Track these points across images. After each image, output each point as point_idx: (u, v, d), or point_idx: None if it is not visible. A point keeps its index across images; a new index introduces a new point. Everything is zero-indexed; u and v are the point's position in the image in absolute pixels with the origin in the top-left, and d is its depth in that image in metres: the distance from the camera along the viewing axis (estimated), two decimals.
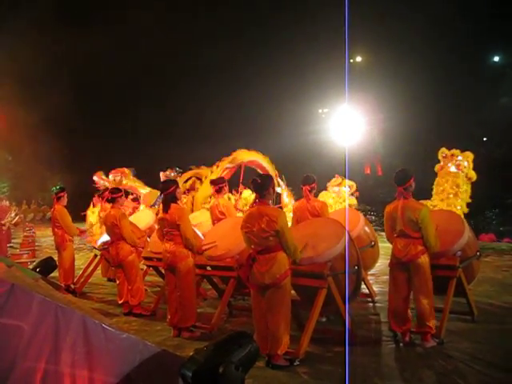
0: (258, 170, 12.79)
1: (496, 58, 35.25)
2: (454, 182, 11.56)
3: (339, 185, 12.77)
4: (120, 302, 7.79)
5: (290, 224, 6.40)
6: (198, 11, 36.67)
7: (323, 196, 12.40)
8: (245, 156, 12.74)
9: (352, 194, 12.98)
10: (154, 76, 37.66)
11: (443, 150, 11.86)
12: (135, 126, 37.46)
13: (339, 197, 12.70)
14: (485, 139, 31.04)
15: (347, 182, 12.83)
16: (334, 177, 13.07)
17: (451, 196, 11.55)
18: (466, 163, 11.64)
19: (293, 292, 5.70)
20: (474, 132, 26.66)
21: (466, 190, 11.60)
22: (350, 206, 12.14)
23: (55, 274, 9.78)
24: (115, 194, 7.89)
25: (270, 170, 12.96)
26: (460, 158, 11.62)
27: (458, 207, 11.43)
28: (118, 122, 37.26)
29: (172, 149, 28.79)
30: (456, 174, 11.60)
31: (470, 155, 11.66)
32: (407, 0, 30.74)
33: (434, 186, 11.95)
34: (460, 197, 11.52)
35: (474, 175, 11.61)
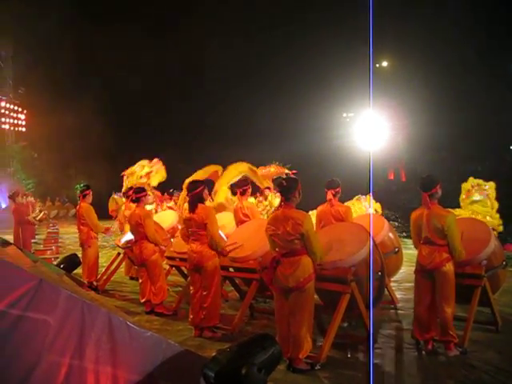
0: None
1: None
2: (478, 209, 11.68)
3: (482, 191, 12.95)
4: (142, 300, 7.84)
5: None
6: (229, 18, 36.78)
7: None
8: (232, 172, 12.70)
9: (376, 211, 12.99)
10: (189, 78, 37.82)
11: (471, 180, 11.98)
12: (165, 126, 37.55)
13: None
14: (511, 147, 30.61)
15: (491, 184, 12.99)
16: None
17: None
18: (487, 193, 11.75)
19: (316, 296, 5.69)
20: (499, 139, 26.30)
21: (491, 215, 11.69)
22: (374, 211, 12.16)
23: (78, 270, 9.93)
24: (139, 194, 7.95)
25: (259, 182, 13.08)
26: (487, 187, 11.70)
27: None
28: (150, 122, 37.57)
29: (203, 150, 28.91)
30: (482, 200, 11.71)
31: (492, 185, 11.73)
32: (433, 5, 30.50)
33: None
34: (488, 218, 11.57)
35: (496, 205, 11.70)
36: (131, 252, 8.85)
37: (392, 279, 8.48)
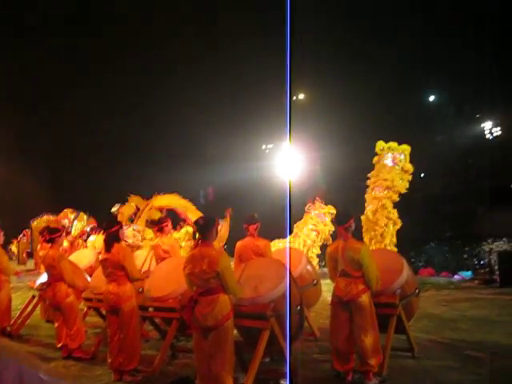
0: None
1: (431, 98, 36.74)
2: (390, 176, 11.61)
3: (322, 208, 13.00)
4: (59, 345, 7.54)
5: (233, 263, 6.42)
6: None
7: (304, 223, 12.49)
8: (161, 202, 12.72)
9: (332, 220, 13.21)
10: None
11: (380, 143, 11.94)
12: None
13: (322, 221, 12.88)
14: (422, 175, 32.06)
15: (329, 207, 13.09)
16: (312, 201, 13.29)
17: (385, 191, 11.57)
18: (402, 156, 11.69)
19: (236, 333, 5.68)
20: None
21: (400, 184, 11.66)
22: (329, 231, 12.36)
23: None
24: (54, 234, 7.73)
25: (190, 212, 13.08)
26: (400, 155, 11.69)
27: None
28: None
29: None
30: (391, 168, 11.64)
31: (406, 148, 11.76)
32: (348, 41, 31.80)
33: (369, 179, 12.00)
34: (394, 190, 11.54)
35: (410, 167, 11.65)
36: (46, 294, 8.55)
37: (312, 310, 8.59)
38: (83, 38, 35.36)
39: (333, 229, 13.75)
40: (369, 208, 11.90)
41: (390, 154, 11.72)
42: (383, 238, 11.55)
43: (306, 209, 13.57)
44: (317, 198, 14.40)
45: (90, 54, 35.88)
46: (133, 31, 36.76)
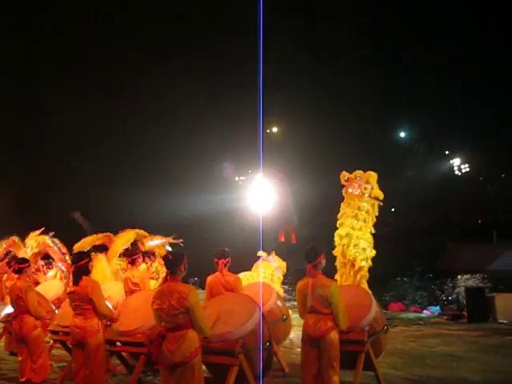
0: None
1: (402, 134, 37.46)
2: (356, 205, 11.48)
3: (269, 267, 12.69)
4: (22, 380, 7.36)
5: (202, 298, 6.40)
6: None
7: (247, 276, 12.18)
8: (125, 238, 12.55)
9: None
10: None
11: (344, 173, 11.83)
12: None
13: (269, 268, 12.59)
14: (392, 210, 32.44)
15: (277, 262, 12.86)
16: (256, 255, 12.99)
17: (353, 220, 11.42)
18: (369, 185, 11.59)
19: (205, 369, 5.64)
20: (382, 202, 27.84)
21: (368, 211, 11.50)
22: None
23: None
24: (23, 265, 7.61)
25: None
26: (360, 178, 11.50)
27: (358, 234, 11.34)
28: None
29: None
30: (359, 196, 11.51)
31: (372, 175, 11.62)
32: (323, 73, 32.36)
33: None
34: (361, 219, 11.41)
35: (380, 194, 11.50)
36: (11, 326, 8.38)
37: (281, 346, 8.56)
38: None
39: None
40: (340, 242, 11.83)
41: (356, 184, 11.68)
42: (356, 273, 11.50)
43: (254, 266, 13.08)
44: (263, 257, 13.68)
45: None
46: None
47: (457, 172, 42.12)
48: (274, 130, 33.17)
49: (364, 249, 11.31)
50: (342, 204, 11.76)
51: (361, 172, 11.63)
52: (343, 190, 11.74)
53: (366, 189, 11.39)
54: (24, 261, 7.84)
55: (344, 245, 11.38)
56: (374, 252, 11.41)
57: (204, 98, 35.07)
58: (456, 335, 11.18)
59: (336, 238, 11.48)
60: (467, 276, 29.68)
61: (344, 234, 11.34)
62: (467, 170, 42.30)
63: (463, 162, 42.05)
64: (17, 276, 7.65)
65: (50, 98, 33.62)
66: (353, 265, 11.37)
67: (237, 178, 33.47)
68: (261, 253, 12.72)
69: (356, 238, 11.32)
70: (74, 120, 35.02)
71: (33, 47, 37.83)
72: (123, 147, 35.37)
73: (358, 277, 11.29)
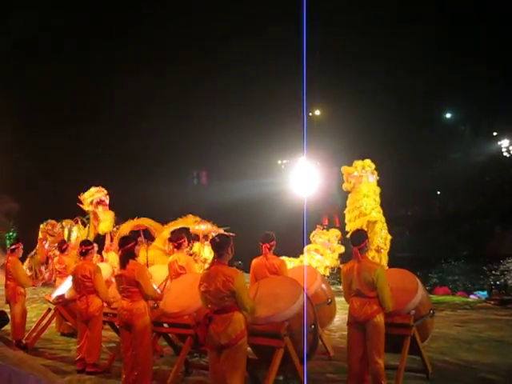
0: None
1: (448, 115, 36.62)
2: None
3: (325, 235, 13.05)
4: (77, 358, 7.57)
5: (248, 281, 6.44)
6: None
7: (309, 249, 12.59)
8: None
9: (339, 242, 13.25)
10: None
11: (358, 162, 12.39)
12: None
13: (328, 247, 12.90)
14: (438, 193, 31.87)
15: (333, 231, 13.13)
16: (315, 228, 13.35)
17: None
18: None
19: (250, 350, 5.70)
20: (427, 186, 27.43)
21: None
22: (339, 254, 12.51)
23: (8, 327, 9.56)
24: (88, 247, 7.85)
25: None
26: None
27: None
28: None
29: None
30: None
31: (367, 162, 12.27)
32: (365, 57, 31.90)
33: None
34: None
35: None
36: (62, 308, 8.63)
37: (326, 329, 8.57)
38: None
39: (342, 250, 13.67)
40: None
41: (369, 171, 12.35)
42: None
43: (310, 238, 13.54)
44: (318, 226, 14.31)
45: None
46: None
47: (505, 154, 40.96)
48: (317, 112, 32.97)
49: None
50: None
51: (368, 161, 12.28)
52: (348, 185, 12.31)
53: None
54: (89, 243, 8.10)
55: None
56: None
57: (248, 83, 35.03)
58: (504, 320, 10.97)
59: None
60: None
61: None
62: None
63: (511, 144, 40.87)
64: (82, 258, 7.83)
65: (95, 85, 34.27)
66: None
67: (279, 162, 33.48)
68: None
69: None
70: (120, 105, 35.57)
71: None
72: (171, 130, 35.51)
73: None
